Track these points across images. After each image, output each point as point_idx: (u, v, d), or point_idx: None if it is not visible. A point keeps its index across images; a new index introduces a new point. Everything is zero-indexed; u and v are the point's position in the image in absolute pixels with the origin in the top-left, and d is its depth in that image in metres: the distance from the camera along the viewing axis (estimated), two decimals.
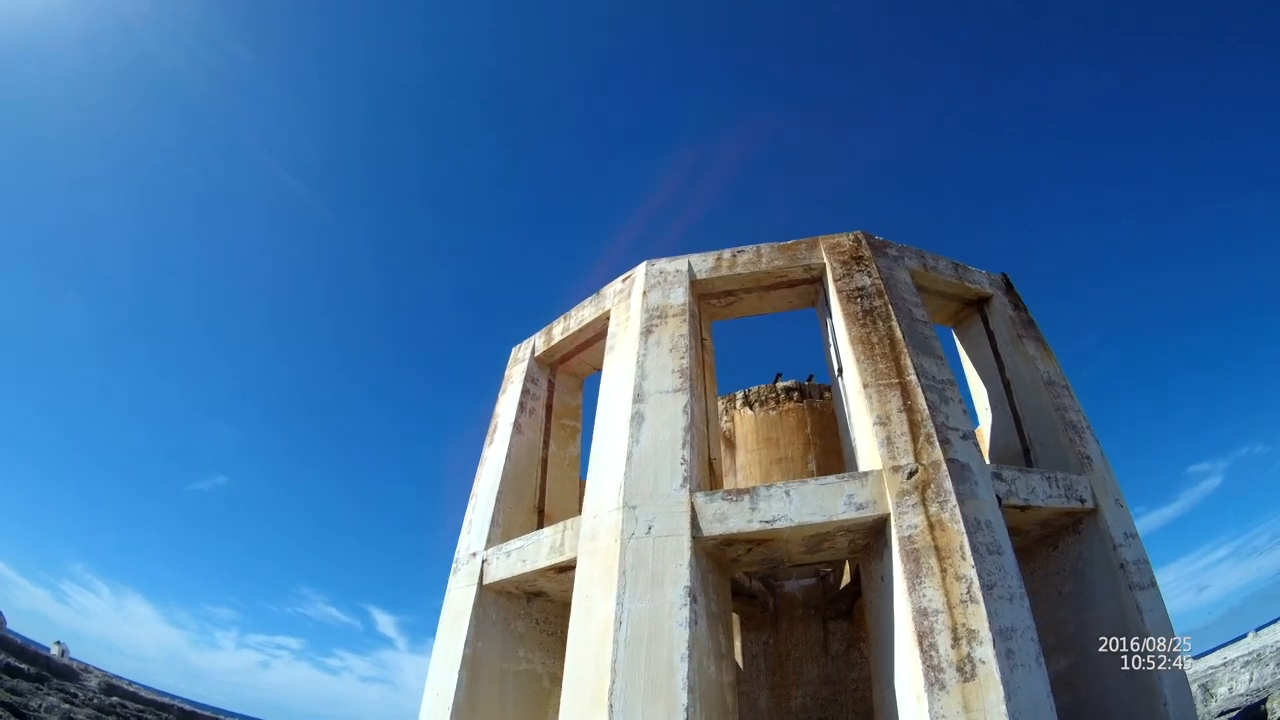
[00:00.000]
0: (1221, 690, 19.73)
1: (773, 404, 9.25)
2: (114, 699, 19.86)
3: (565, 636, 5.93)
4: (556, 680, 6.56)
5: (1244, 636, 28.00)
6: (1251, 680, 18.59)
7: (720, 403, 9.76)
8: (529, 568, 6.82)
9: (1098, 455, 7.23)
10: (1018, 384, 7.72)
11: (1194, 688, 20.84)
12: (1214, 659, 25.21)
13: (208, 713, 23.24)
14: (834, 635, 7.89)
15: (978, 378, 8.26)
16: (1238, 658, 21.82)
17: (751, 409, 9.35)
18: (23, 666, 19.44)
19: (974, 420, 8.61)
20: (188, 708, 22.11)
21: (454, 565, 7.64)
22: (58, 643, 25.12)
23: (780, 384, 9.51)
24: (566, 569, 6.51)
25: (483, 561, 7.26)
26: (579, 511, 6.69)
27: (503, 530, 7.55)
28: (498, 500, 7.67)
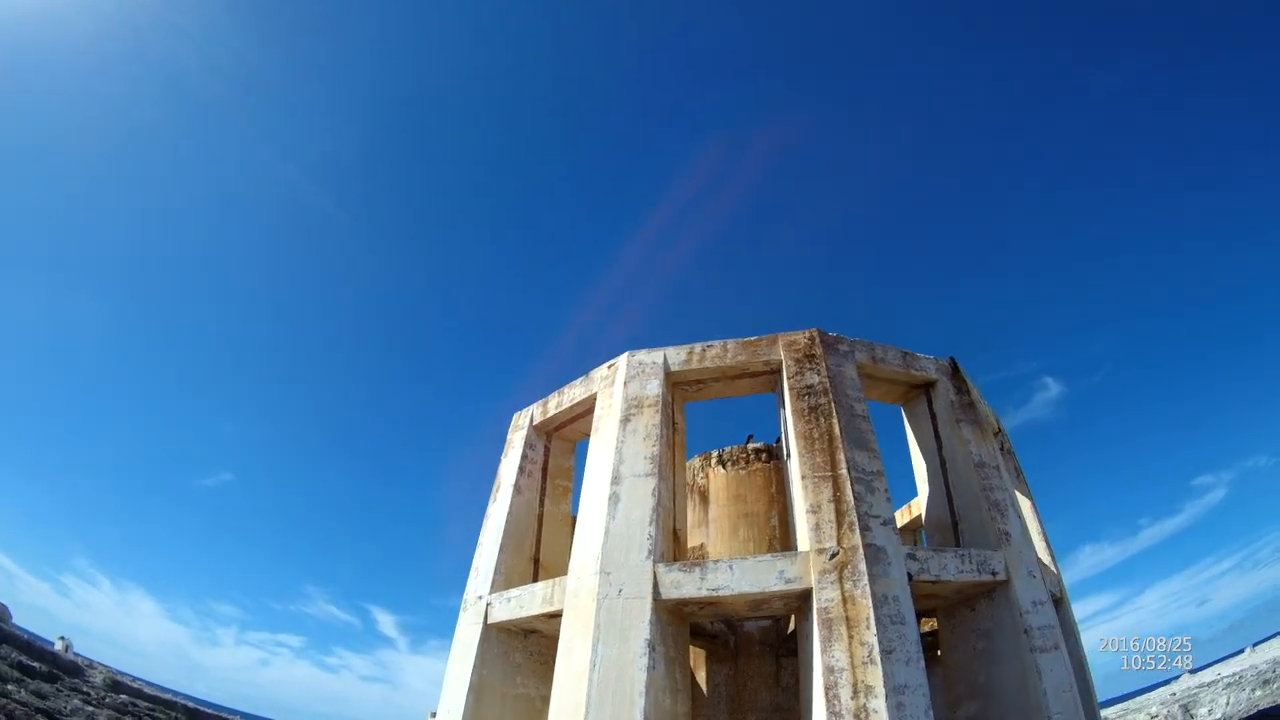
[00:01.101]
0: (1202, 711, 21.94)
1: (743, 464, 11.32)
2: (124, 697, 22.53)
3: (555, 668, 8.08)
4: (548, 703, 8.75)
5: (1241, 652, 30.32)
6: (1229, 704, 20.82)
7: (697, 460, 11.86)
8: (525, 613, 9.01)
9: (1017, 532, 9.22)
10: (952, 463, 9.73)
11: (1175, 707, 23.12)
12: (1207, 675, 27.47)
13: (210, 710, 25.88)
14: (784, 669, 10.06)
15: (919, 454, 10.27)
16: (1224, 677, 24.05)
17: (724, 467, 11.42)
18: (34, 664, 22.16)
19: (913, 491, 10.64)
20: (192, 705, 24.78)
21: (463, 604, 9.85)
22: (61, 638, 27.90)
23: (751, 445, 11.56)
24: (555, 616, 8.69)
25: (487, 604, 9.46)
26: (570, 559, 8.79)
27: (504, 578, 9.75)
28: (500, 551, 9.87)
